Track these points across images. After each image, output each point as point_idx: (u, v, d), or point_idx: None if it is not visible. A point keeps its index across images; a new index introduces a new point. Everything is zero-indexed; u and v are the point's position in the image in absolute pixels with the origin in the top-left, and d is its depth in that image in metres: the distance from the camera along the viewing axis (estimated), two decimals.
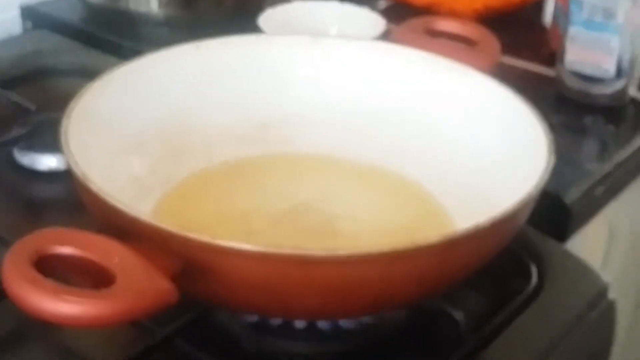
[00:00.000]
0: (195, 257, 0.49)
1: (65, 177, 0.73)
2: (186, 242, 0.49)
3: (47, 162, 0.74)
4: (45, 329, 0.58)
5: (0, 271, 0.46)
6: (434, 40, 0.76)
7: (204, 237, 0.49)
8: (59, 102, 0.81)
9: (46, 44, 0.95)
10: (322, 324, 0.59)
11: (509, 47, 0.77)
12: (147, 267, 0.47)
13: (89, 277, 0.48)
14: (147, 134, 0.68)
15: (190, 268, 0.50)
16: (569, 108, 0.87)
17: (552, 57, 0.94)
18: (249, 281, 0.51)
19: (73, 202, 0.70)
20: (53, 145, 0.73)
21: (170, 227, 0.49)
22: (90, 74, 0.86)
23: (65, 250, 0.48)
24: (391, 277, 0.51)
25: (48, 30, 0.98)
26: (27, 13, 1.01)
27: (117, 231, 0.50)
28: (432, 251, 0.50)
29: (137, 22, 0.98)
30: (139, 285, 0.46)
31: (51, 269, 0.47)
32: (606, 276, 0.68)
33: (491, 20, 0.86)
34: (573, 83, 0.87)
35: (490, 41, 0.77)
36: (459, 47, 0.76)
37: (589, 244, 0.85)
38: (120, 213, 0.51)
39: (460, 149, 0.69)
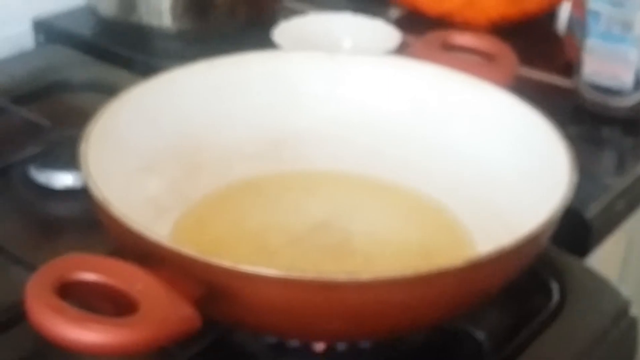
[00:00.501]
0: (217, 282, 0.49)
1: (81, 195, 0.72)
2: (208, 267, 0.49)
3: (63, 179, 0.74)
4: (62, 354, 0.57)
5: (24, 298, 0.46)
6: (451, 54, 0.76)
7: (227, 263, 0.48)
8: (73, 118, 0.81)
9: (59, 58, 0.95)
10: (341, 346, 0.59)
11: (524, 58, 0.77)
12: (170, 294, 0.47)
13: (111, 303, 0.48)
14: (163, 153, 0.67)
15: (212, 292, 0.49)
16: (586, 120, 0.87)
17: (568, 67, 0.93)
18: (271, 305, 0.50)
19: (89, 220, 0.70)
20: (69, 162, 0.74)
21: (193, 253, 0.49)
22: (103, 89, 0.87)
23: (89, 276, 0.48)
24: (413, 301, 0.51)
25: (60, 45, 0.98)
26: (39, 27, 1.00)
27: (138, 255, 0.50)
28: (456, 275, 0.50)
29: (149, 35, 0.98)
30: (163, 312, 0.46)
31: (74, 295, 0.47)
32: (623, 289, 0.68)
33: (506, 30, 0.86)
34: (590, 95, 0.87)
35: (507, 55, 0.76)
36: (476, 61, 0.76)
37: (606, 257, 0.85)
38: (142, 238, 0.50)
39: (478, 165, 0.69)
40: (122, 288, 0.47)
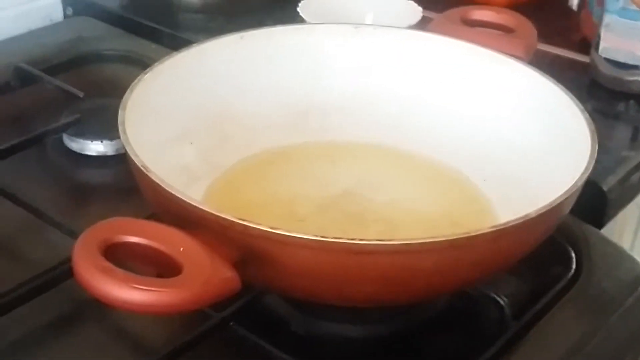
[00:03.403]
0: (253, 246, 0.51)
1: (114, 161, 0.76)
2: (246, 231, 0.50)
3: (96, 147, 0.76)
4: (100, 312, 0.60)
5: (72, 259, 0.48)
6: (472, 29, 0.77)
7: (264, 226, 0.50)
8: (104, 88, 0.84)
9: (88, 30, 0.97)
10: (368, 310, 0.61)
11: (540, 33, 0.78)
12: (212, 256, 0.49)
13: (154, 266, 0.49)
14: (194, 123, 0.69)
15: (248, 256, 0.51)
16: (602, 94, 0.89)
17: (584, 43, 0.95)
18: (304, 268, 0.52)
19: (120, 185, 0.73)
20: (102, 131, 0.76)
21: (231, 217, 0.51)
22: (132, 60, 0.89)
23: (133, 239, 0.49)
24: (442, 266, 0.52)
25: (89, 17, 1.00)
26: None
27: (175, 219, 0.52)
28: (484, 241, 0.52)
29: (175, 9, 1.00)
30: (206, 274, 0.48)
31: (118, 257, 0.48)
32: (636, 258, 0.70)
33: (522, 6, 0.87)
34: (607, 70, 0.88)
35: (527, 28, 0.78)
36: (496, 35, 0.77)
37: (619, 227, 0.87)
38: (182, 202, 0.52)
39: (499, 136, 0.70)
40: (165, 250, 0.49)
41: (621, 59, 0.87)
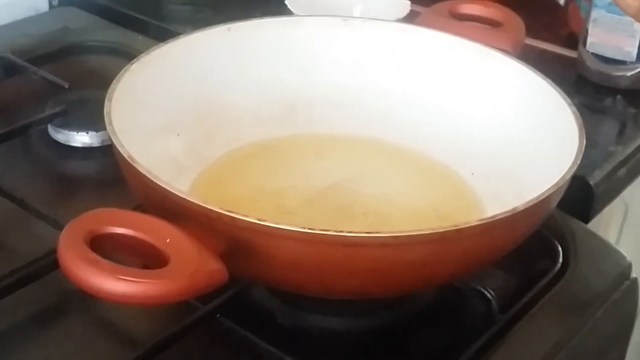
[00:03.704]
0: (240, 238, 0.51)
1: (99, 153, 0.75)
2: (233, 223, 0.50)
3: (81, 138, 0.76)
4: (85, 304, 0.60)
5: (57, 251, 0.48)
6: (459, 23, 0.77)
7: (252, 218, 0.50)
8: (89, 79, 0.84)
9: (73, 21, 0.97)
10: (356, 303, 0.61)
11: (527, 28, 0.78)
12: (199, 248, 0.49)
13: (140, 257, 0.49)
14: (181, 114, 0.69)
15: (235, 248, 0.51)
16: (589, 90, 0.89)
17: (571, 38, 0.95)
18: (292, 260, 0.52)
19: (107, 177, 0.73)
20: (87, 122, 0.76)
21: (218, 209, 0.50)
22: (117, 51, 0.89)
23: (119, 230, 0.49)
24: (431, 259, 0.53)
25: (74, 8, 0.99)
26: None
27: (162, 211, 0.52)
28: (472, 234, 0.51)
29: (162, 0, 0.99)
30: (193, 265, 0.48)
31: (104, 248, 0.48)
32: None
33: (509, 1, 0.87)
34: (594, 65, 0.88)
35: (515, 22, 0.78)
36: (484, 29, 0.77)
37: (605, 222, 0.87)
38: (168, 194, 0.52)
39: (487, 130, 0.70)
40: (152, 242, 0.49)
41: (608, 54, 0.87)
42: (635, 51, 0.86)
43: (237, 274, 0.55)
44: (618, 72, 0.88)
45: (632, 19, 0.83)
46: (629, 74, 0.87)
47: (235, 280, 0.59)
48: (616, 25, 0.86)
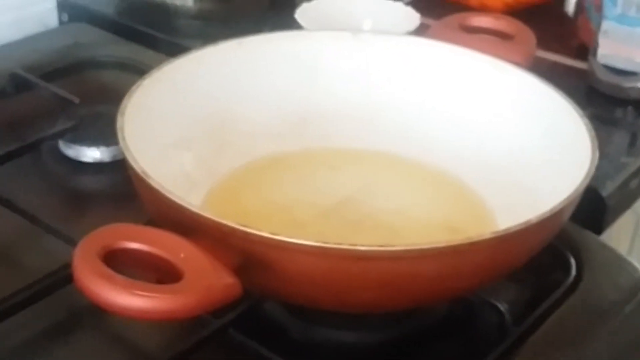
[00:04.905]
0: (254, 252, 0.51)
1: (110, 168, 0.75)
2: (247, 237, 0.50)
3: (92, 154, 0.76)
4: (98, 319, 0.60)
5: (72, 266, 0.48)
6: (470, 36, 0.77)
7: (265, 233, 0.50)
8: (100, 95, 0.84)
9: (83, 36, 0.97)
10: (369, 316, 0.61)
11: (538, 40, 0.78)
12: (213, 263, 0.49)
13: (155, 272, 0.49)
14: (193, 129, 0.69)
15: (248, 262, 0.51)
16: (599, 101, 0.89)
17: (581, 49, 0.95)
18: (306, 274, 0.52)
19: (118, 192, 0.73)
20: (98, 137, 0.76)
21: (232, 223, 0.50)
22: (128, 67, 0.89)
23: (133, 245, 0.49)
24: (444, 271, 0.52)
25: (84, 23, 1.00)
26: (63, 5, 1.02)
27: (175, 226, 0.52)
28: (485, 247, 0.52)
29: (172, 15, 1.00)
30: (207, 280, 0.48)
31: (118, 263, 0.48)
32: None
33: (519, 13, 0.87)
34: (605, 77, 0.88)
35: (526, 35, 0.78)
36: (495, 41, 0.77)
37: (616, 233, 0.87)
38: (182, 209, 0.52)
39: (499, 143, 0.70)
40: (166, 257, 0.49)
41: (619, 66, 0.87)
42: None
43: (251, 288, 0.55)
44: (629, 84, 0.87)
45: None
46: (639, 85, 0.87)
47: (248, 294, 0.59)
48: (627, 37, 0.86)
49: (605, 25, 0.87)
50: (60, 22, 1.02)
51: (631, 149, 0.84)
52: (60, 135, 0.77)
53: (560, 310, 0.63)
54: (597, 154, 0.60)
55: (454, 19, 0.80)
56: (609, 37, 0.87)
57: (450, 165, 0.72)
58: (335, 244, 0.50)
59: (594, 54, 0.89)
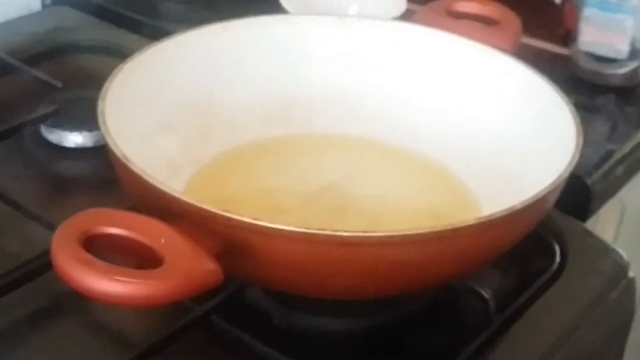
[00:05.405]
0: (236, 237, 0.50)
1: (92, 153, 0.75)
2: (228, 223, 0.50)
3: (74, 139, 0.75)
4: (79, 305, 0.59)
5: (51, 251, 0.47)
6: (456, 21, 0.77)
7: (247, 218, 0.50)
8: (83, 79, 0.83)
9: (67, 20, 0.96)
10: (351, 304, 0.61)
11: (524, 26, 0.78)
12: (194, 248, 0.48)
13: (135, 257, 0.49)
14: (176, 114, 0.69)
15: (230, 248, 0.51)
16: (581, 87, 0.89)
17: (567, 36, 0.95)
18: (288, 260, 0.52)
19: (101, 178, 0.72)
20: (80, 122, 0.75)
21: (213, 208, 0.50)
22: (111, 51, 0.88)
23: (113, 230, 0.48)
24: (427, 258, 0.52)
25: (68, 7, 0.99)
26: None
27: (157, 211, 0.51)
28: (469, 233, 0.51)
29: None
30: (188, 266, 0.47)
31: (98, 249, 0.48)
32: None
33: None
34: (587, 64, 0.88)
35: (512, 20, 0.77)
36: (480, 27, 0.77)
37: (601, 221, 0.87)
38: (163, 194, 0.51)
39: (484, 129, 0.70)
40: (146, 242, 0.48)
41: (601, 52, 0.87)
42: (626, 49, 0.86)
43: (233, 274, 0.55)
44: (610, 70, 0.87)
45: (623, 17, 0.83)
46: (621, 71, 0.87)
47: (230, 280, 0.59)
48: (608, 23, 0.85)
49: (587, 11, 0.87)
50: (44, 6, 1.00)
51: (615, 136, 0.84)
52: (43, 119, 0.76)
53: (544, 298, 0.63)
54: (581, 141, 0.59)
55: (440, 4, 0.79)
56: (590, 23, 0.87)
57: (435, 151, 0.71)
58: (318, 229, 0.49)
59: (576, 40, 0.89)
